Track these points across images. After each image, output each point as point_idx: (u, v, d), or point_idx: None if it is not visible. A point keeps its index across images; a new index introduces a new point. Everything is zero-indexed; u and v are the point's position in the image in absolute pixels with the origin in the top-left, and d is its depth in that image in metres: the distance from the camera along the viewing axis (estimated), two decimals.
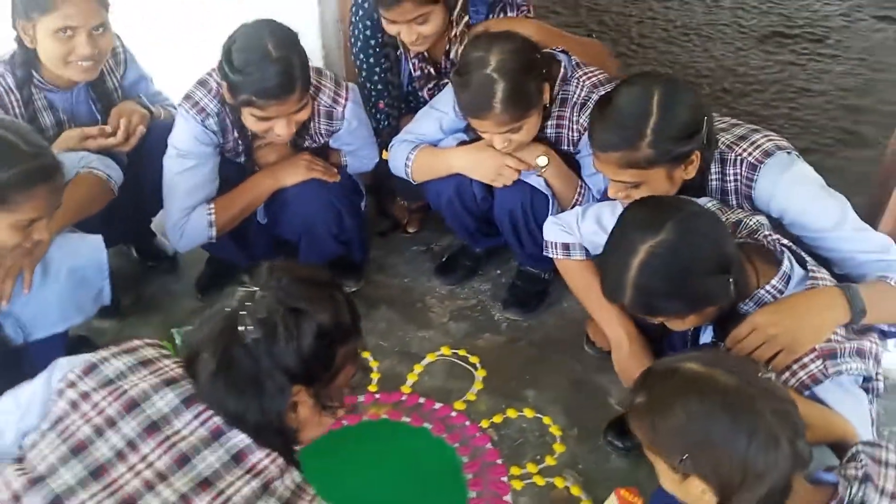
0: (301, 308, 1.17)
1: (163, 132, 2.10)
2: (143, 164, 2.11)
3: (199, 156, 1.98)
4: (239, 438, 1.14)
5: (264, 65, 1.79)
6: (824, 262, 1.57)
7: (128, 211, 2.15)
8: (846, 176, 2.62)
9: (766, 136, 1.67)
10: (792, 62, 3.54)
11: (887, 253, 1.57)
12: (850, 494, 1.10)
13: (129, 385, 1.18)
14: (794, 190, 1.60)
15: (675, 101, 1.56)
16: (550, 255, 1.89)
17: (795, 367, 1.40)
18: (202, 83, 1.98)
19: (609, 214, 1.74)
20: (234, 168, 2.09)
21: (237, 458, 1.13)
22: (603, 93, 1.77)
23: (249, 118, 1.88)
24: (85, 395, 1.19)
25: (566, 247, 1.84)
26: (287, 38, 1.84)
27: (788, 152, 1.65)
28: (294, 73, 1.82)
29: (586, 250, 1.83)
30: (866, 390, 1.47)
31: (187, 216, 2.01)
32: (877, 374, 1.48)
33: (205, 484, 1.10)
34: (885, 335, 1.56)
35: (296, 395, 1.18)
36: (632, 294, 1.41)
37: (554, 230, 1.86)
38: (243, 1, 2.22)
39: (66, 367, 1.25)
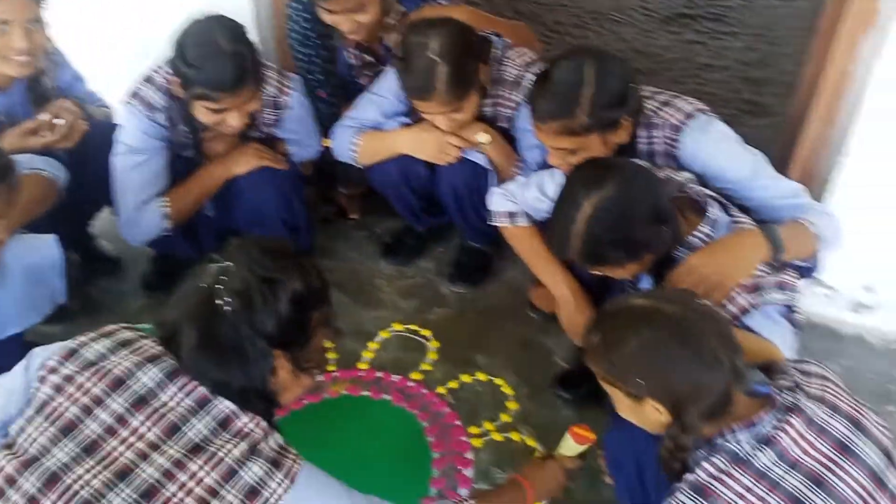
0: (274, 277, 1.23)
1: (101, 133, 2.11)
2: (83, 165, 2.10)
3: (149, 150, 2.01)
4: (224, 405, 1.19)
5: (218, 58, 1.84)
6: (745, 210, 1.73)
7: (68, 214, 2.13)
8: (752, 142, 2.81)
9: (686, 100, 1.82)
10: (695, 41, 3.76)
11: (799, 197, 1.74)
12: (782, 400, 1.25)
13: (111, 365, 1.22)
14: (714, 147, 1.76)
15: (606, 71, 1.69)
16: (497, 224, 2.00)
17: (726, 301, 1.55)
18: (148, 79, 2.00)
19: (549, 181, 1.87)
20: (182, 162, 2.12)
21: (223, 423, 1.18)
22: (535, 70, 1.89)
23: (202, 111, 1.92)
24: (69, 378, 1.21)
25: (511, 215, 1.96)
26: (237, 32, 1.89)
27: (707, 114, 1.80)
28: (246, 66, 1.88)
29: (530, 217, 1.96)
30: (788, 320, 1.64)
31: (140, 211, 2.03)
32: (796, 306, 1.66)
33: (196, 449, 1.15)
34: (801, 272, 1.74)
35: (275, 360, 1.25)
36: (579, 246, 1.54)
37: (499, 200, 1.98)
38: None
39: (43, 354, 1.27)
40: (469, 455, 1.93)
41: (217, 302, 1.20)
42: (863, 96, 1.93)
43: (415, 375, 2.14)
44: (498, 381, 2.12)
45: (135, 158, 2.01)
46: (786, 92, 3.15)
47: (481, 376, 2.13)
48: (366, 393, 2.09)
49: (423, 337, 2.26)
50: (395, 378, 2.13)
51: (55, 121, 1.99)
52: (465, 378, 2.13)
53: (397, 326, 2.28)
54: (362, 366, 2.17)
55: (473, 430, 1.99)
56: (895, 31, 1.80)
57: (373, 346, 2.23)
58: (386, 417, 2.04)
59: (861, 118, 1.95)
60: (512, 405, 2.06)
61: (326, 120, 2.34)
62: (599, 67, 1.69)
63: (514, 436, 1.98)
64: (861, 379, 2.15)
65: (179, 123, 2.04)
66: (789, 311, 1.64)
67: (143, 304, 2.36)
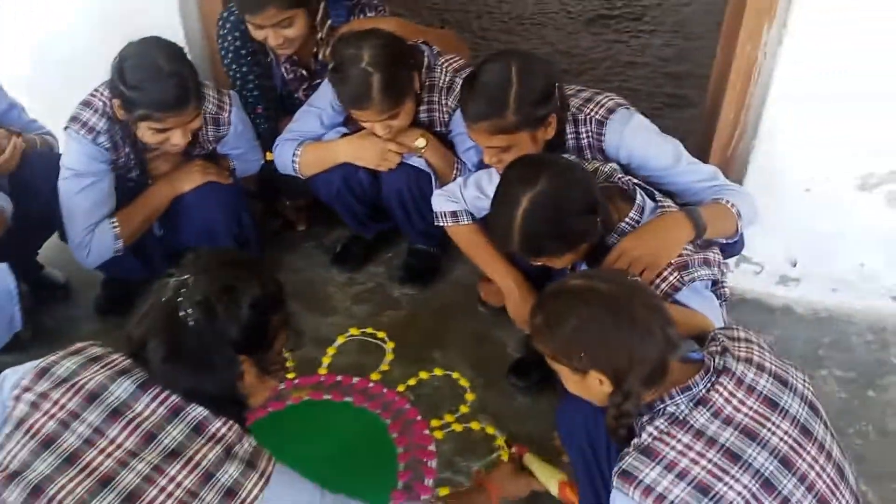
0: (232, 285, 1.29)
1: (43, 161, 2.14)
2: (27, 194, 2.11)
3: (95, 173, 2.04)
4: (197, 412, 1.25)
5: (159, 79, 1.88)
6: (668, 195, 1.85)
7: (14, 243, 2.13)
8: (676, 133, 2.94)
9: (607, 96, 1.95)
10: (616, 40, 3.93)
11: (717, 180, 1.88)
12: (713, 364, 1.36)
13: (84, 380, 1.26)
14: (636, 138, 1.88)
15: (530, 70, 1.80)
16: (440, 224, 2.09)
17: (658, 280, 1.66)
18: (86, 104, 2.04)
19: (486, 180, 1.97)
20: (127, 184, 2.16)
21: (197, 429, 1.24)
22: (465, 75, 2.00)
23: (147, 132, 1.96)
24: (44, 395, 1.25)
25: (454, 214, 2.05)
26: (176, 53, 1.95)
27: (627, 108, 1.93)
28: (188, 85, 1.93)
29: (472, 215, 2.05)
30: (715, 294, 1.77)
31: (91, 233, 2.06)
32: (722, 280, 1.79)
33: (173, 455, 1.20)
34: (726, 250, 1.87)
35: (241, 365, 1.31)
36: (519, 239, 1.64)
37: (441, 201, 2.07)
38: (105, 25, 2.30)
39: (14, 376, 1.31)
40: (432, 447, 2.01)
41: (180, 314, 1.25)
42: (770, 83, 2.08)
43: (374, 376, 2.21)
44: (455, 374, 2.21)
45: (81, 182, 2.04)
46: (703, 84, 3.34)
47: (438, 372, 2.22)
48: (327, 397, 2.16)
49: (380, 339, 2.33)
50: (355, 380, 2.20)
51: None
52: (423, 375, 2.21)
53: (353, 331, 2.35)
54: (322, 371, 2.23)
55: (435, 422, 2.07)
56: (793, 22, 1.95)
57: (331, 351, 2.29)
58: (349, 418, 2.11)
59: (770, 103, 2.10)
60: (470, 396, 2.14)
61: (265, 134, 2.40)
62: (523, 68, 1.80)
63: (474, 425, 2.06)
64: (793, 347, 2.30)
65: (122, 145, 2.08)
66: (715, 285, 1.77)
67: (97, 328, 2.37)
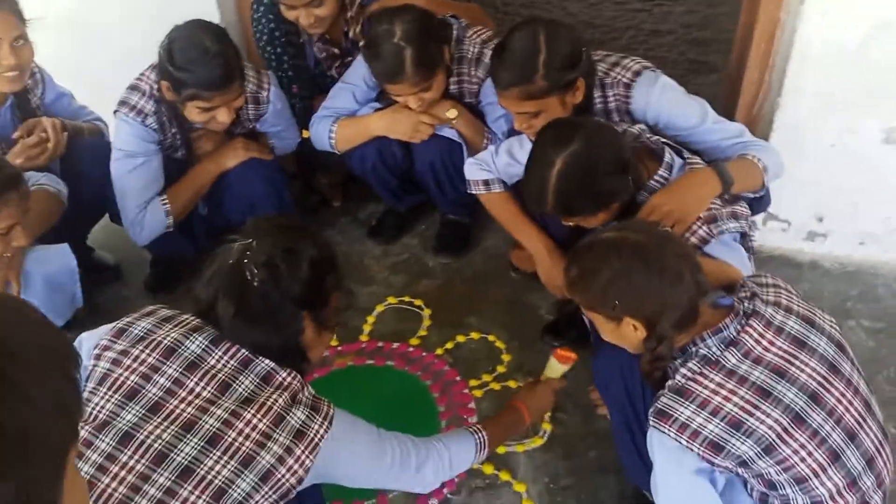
0: (293, 247, 1.38)
1: (93, 147, 2.24)
2: (77, 180, 2.20)
3: (145, 153, 2.14)
4: (264, 364, 1.35)
5: (206, 60, 1.97)
6: (695, 153, 1.91)
7: (66, 228, 2.22)
8: (701, 97, 3.01)
9: (633, 59, 2.00)
10: (640, 9, 3.95)
11: (743, 136, 1.93)
12: (743, 307, 1.42)
13: (160, 337, 1.36)
14: (662, 98, 1.93)
15: (557, 37, 1.86)
16: (473, 192, 2.16)
17: (687, 234, 1.73)
18: (134, 87, 2.13)
19: (517, 147, 2.04)
20: (172, 163, 2.25)
21: (266, 379, 1.34)
22: (493, 45, 2.06)
23: (194, 111, 2.05)
24: (124, 353, 1.36)
25: (486, 183, 2.13)
26: (220, 34, 2.04)
27: (653, 70, 1.98)
28: (233, 64, 2.02)
29: (503, 183, 2.12)
30: (743, 246, 1.82)
31: (143, 211, 2.17)
32: (750, 234, 1.84)
33: (247, 401, 1.30)
34: (751, 206, 1.92)
35: (302, 321, 1.40)
36: (553, 199, 1.70)
37: (473, 170, 2.14)
38: (146, 15, 2.39)
39: (92, 338, 1.42)
40: (472, 405, 2.09)
41: (246, 275, 1.34)
42: (793, 42, 2.11)
43: (413, 341, 2.29)
44: (491, 337, 2.29)
45: (132, 162, 2.14)
46: (727, 48, 3.36)
47: (475, 335, 2.30)
48: (370, 361, 2.25)
49: (417, 307, 2.41)
50: (395, 345, 2.29)
51: (26, 140, 2.09)
52: (460, 338, 2.29)
53: (391, 300, 2.44)
54: (363, 338, 2.32)
55: (473, 382, 2.16)
56: None
57: (371, 319, 2.38)
58: (392, 381, 2.19)
59: (794, 62, 2.14)
60: (506, 357, 2.22)
61: (300, 113, 2.48)
62: (549, 34, 1.86)
63: (511, 384, 2.14)
64: (820, 300, 2.34)
65: (169, 126, 2.18)
66: (743, 238, 1.82)
67: (149, 305, 2.47)
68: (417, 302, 2.43)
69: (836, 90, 2.15)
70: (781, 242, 2.50)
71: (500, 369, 2.19)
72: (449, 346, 2.27)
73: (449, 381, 2.17)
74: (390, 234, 2.66)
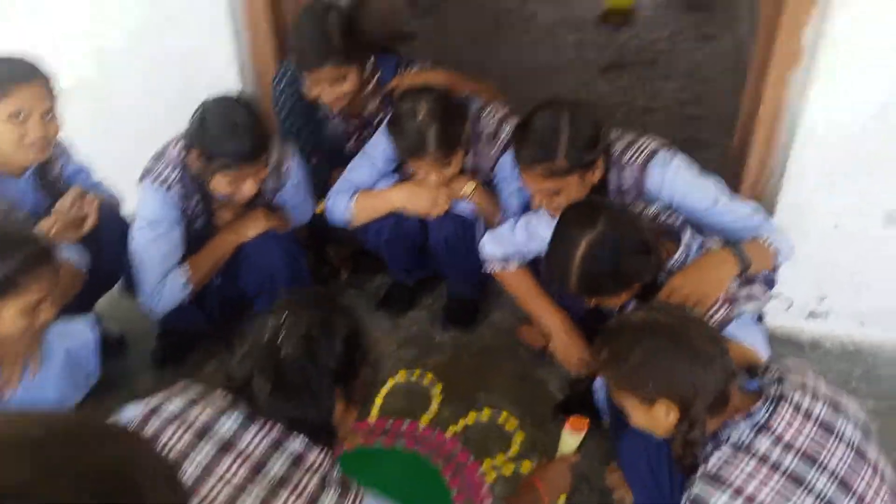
0: (328, 321, 1.39)
1: (109, 220, 2.23)
2: (96, 251, 2.17)
3: (169, 222, 2.15)
4: (295, 444, 1.33)
5: (239, 131, 2.02)
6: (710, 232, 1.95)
7: (77, 298, 2.23)
8: None
9: (648, 138, 2.05)
10: (632, 86, 4.06)
11: (756, 217, 1.96)
12: (772, 392, 1.44)
13: (192, 417, 1.35)
14: (677, 179, 1.97)
15: (579, 117, 1.91)
16: (490, 270, 2.19)
17: (707, 315, 1.75)
18: (158, 156, 2.16)
19: (536, 221, 2.07)
20: (190, 235, 2.24)
21: (297, 460, 1.31)
22: (511, 123, 2.11)
23: (222, 181, 2.07)
24: (156, 435, 1.33)
25: (505, 259, 2.15)
26: (250, 107, 2.09)
27: (668, 149, 2.03)
28: (262, 136, 2.07)
29: (519, 259, 2.14)
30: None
31: (163, 281, 2.16)
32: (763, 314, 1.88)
33: (280, 483, 1.28)
34: (768, 285, 1.95)
35: (336, 395, 1.39)
36: (577, 279, 1.72)
37: (491, 247, 2.17)
38: (170, 79, 2.43)
39: (125, 418, 1.39)
40: (485, 490, 2.06)
41: (282, 352, 1.34)
42: (797, 124, 2.18)
43: (424, 419, 2.27)
44: (504, 414, 2.26)
45: (154, 231, 2.14)
46: (720, 126, 3.45)
47: (486, 412, 2.28)
48: (379, 442, 2.21)
49: (427, 383, 2.40)
50: (405, 425, 2.26)
51: (66, 213, 2.09)
52: (472, 415, 2.27)
53: (402, 375, 2.42)
54: (373, 414, 2.30)
55: (487, 463, 2.13)
56: (818, 67, 2.06)
57: (383, 392, 2.36)
58: (402, 464, 2.15)
59: (798, 144, 2.20)
60: (519, 436, 2.20)
61: (317, 185, 2.51)
62: (573, 114, 1.91)
63: (526, 465, 2.12)
64: (824, 381, 2.36)
65: (192, 195, 2.19)
66: (758, 318, 1.85)
67: (153, 378, 2.43)
68: (428, 377, 2.41)
69: (839, 172, 2.21)
70: (783, 321, 2.52)
71: (514, 449, 2.17)
72: (460, 424, 2.25)
73: (462, 464, 2.14)
74: (399, 308, 2.66)
